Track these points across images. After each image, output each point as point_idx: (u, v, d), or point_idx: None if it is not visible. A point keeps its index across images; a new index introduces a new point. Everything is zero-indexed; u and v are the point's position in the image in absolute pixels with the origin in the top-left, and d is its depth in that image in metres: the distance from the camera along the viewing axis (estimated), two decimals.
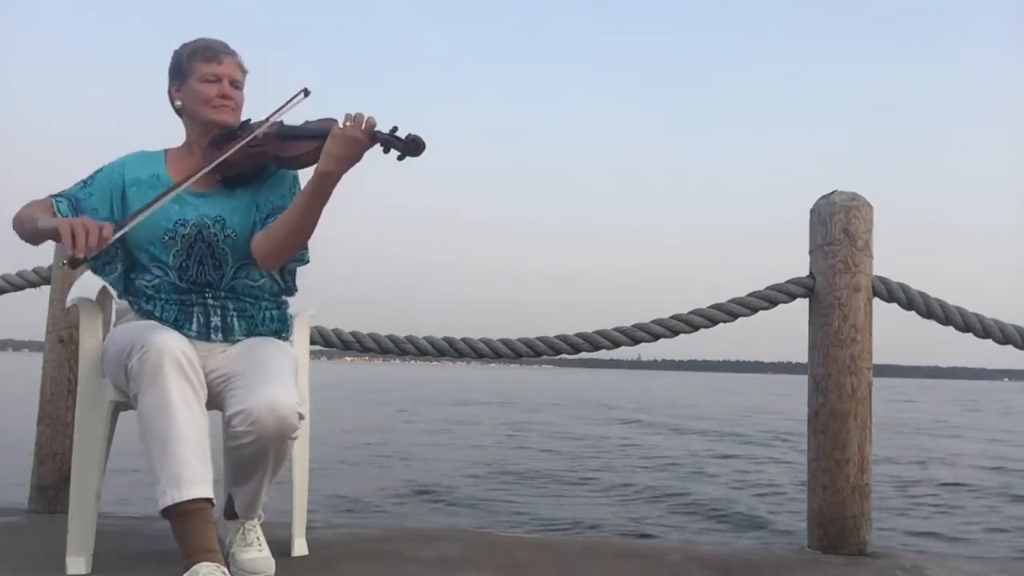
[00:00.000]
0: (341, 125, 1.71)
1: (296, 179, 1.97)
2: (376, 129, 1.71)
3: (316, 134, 1.81)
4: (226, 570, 1.61)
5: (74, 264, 1.60)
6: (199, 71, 1.87)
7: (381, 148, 1.73)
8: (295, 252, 1.87)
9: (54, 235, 1.68)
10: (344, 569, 1.95)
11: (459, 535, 2.52)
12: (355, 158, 1.71)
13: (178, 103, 1.91)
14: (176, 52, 1.91)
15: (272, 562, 1.82)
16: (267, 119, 1.87)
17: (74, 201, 1.87)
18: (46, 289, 2.64)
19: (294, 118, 1.89)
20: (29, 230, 1.77)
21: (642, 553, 2.29)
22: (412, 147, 1.72)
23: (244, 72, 1.93)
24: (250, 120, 1.92)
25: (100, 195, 1.89)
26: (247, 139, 1.83)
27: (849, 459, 2.35)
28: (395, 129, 1.72)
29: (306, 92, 1.85)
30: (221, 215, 1.88)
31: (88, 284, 2.05)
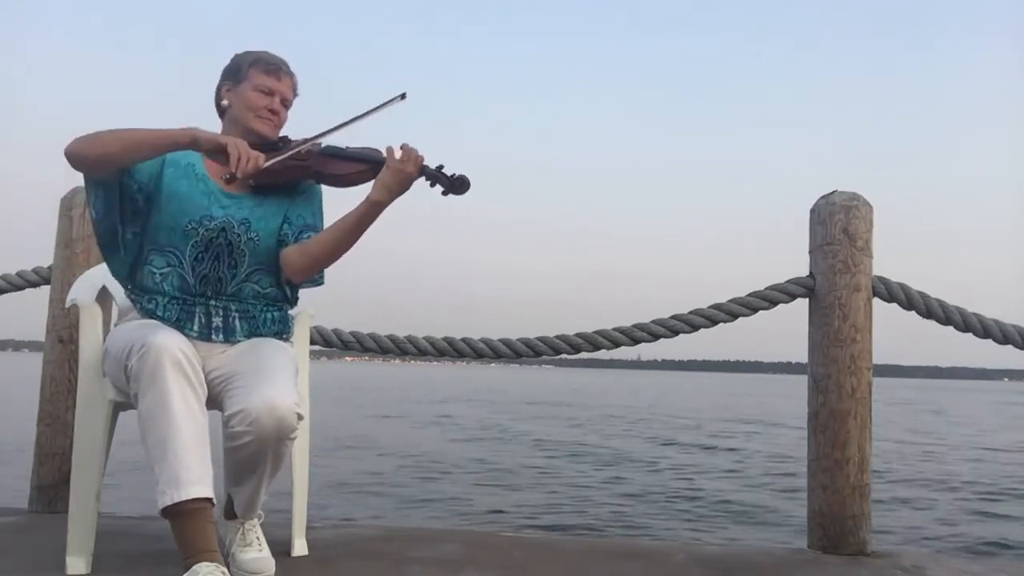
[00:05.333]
0: (396, 157, 1.79)
1: (322, 198, 2.02)
2: (425, 164, 1.82)
3: (362, 158, 1.88)
4: (226, 570, 1.61)
5: (231, 181, 1.73)
6: (256, 80, 1.90)
7: (427, 182, 1.85)
8: (327, 265, 1.95)
9: (195, 146, 1.71)
10: (344, 569, 1.95)
11: (459, 535, 2.52)
12: (405, 190, 1.82)
13: (225, 103, 1.92)
14: (238, 55, 1.94)
15: (272, 562, 1.82)
16: (315, 137, 1.88)
17: None
18: (46, 289, 2.64)
19: (338, 143, 1.92)
20: (134, 139, 1.68)
21: (642, 553, 2.29)
22: (458, 185, 1.85)
23: (296, 95, 1.97)
24: (287, 136, 1.95)
25: (149, 163, 1.83)
26: (296, 149, 1.86)
27: (849, 459, 2.35)
28: (441, 167, 1.85)
29: (403, 96, 1.86)
30: (248, 219, 1.89)
31: (88, 284, 2.05)
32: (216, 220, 1.86)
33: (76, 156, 1.70)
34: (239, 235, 1.87)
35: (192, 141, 1.72)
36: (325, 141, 1.89)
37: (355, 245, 1.87)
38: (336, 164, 1.90)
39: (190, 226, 1.84)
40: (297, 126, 1.97)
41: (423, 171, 1.83)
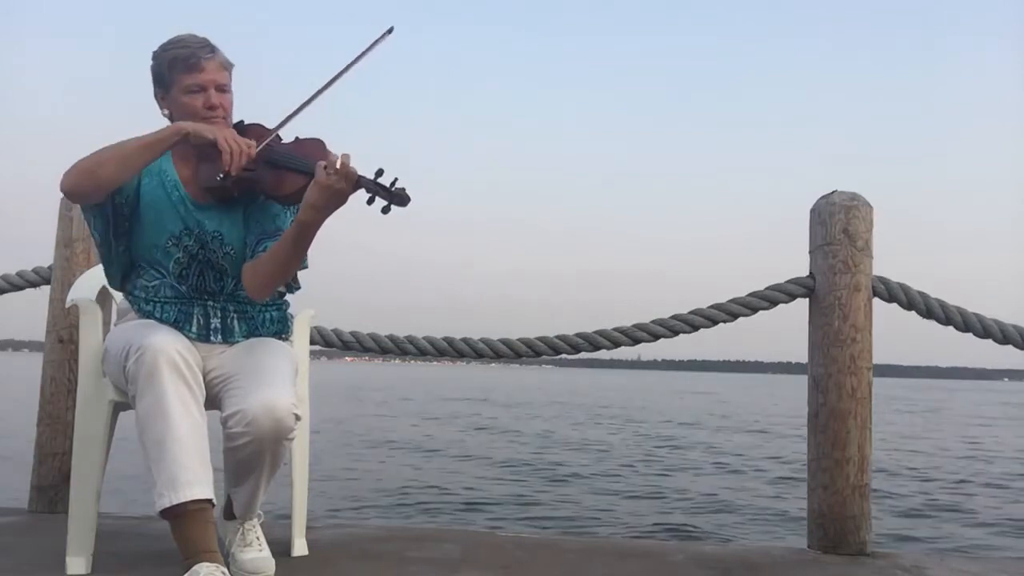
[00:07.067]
0: (324, 168, 1.60)
1: None
2: (360, 175, 1.62)
3: (307, 170, 1.73)
4: (226, 570, 1.61)
5: (227, 179, 1.68)
6: (182, 83, 1.78)
7: (366, 197, 1.64)
8: (283, 284, 1.83)
9: (186, 142, 1.70)
10: (344, 569, 1.95)
11: (459, 535, 2.52)
12: (336, 207, 1.64)
13: (166, 111, 1.84)
14: (156, 56, 1.82)
15: (272, 562, 1.82)
16: (271, 132, 1.81)
17: None
18: (46, 289, 2.64)
19: (288, 132, 1.83)
20: (126, 154, 1.66)
21: (642, 553, 2.29)
22: (397, 199, 1.63)
23: (229, 68, 1.84)
24: (243, 121, 1.87)
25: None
26: (288, 119, 1.78)
27: (849, 459, 2.35)
28: (380, 173, 1.62)
29: (391, 30, 1.73)
30: (219, 230, 1.84)
31: (88, 284, 2.06)
32: (194, 233, 1.81)
33: (75, 191, 1.69)
34: (215, 251, 1.83)
35: (182, 137, 1.69)
36: (314, 102, 1.75)
37: (301, 261, 1.76)
38: (283, 180, 1.77)
39: (169, 243, 1.81)
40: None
41: (359, 184, 1.62)
